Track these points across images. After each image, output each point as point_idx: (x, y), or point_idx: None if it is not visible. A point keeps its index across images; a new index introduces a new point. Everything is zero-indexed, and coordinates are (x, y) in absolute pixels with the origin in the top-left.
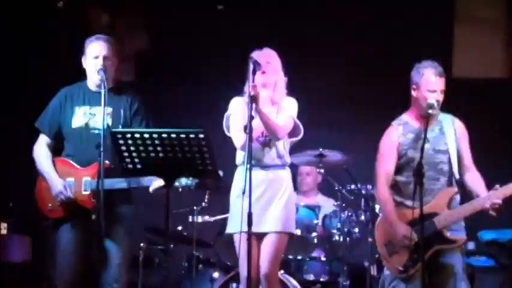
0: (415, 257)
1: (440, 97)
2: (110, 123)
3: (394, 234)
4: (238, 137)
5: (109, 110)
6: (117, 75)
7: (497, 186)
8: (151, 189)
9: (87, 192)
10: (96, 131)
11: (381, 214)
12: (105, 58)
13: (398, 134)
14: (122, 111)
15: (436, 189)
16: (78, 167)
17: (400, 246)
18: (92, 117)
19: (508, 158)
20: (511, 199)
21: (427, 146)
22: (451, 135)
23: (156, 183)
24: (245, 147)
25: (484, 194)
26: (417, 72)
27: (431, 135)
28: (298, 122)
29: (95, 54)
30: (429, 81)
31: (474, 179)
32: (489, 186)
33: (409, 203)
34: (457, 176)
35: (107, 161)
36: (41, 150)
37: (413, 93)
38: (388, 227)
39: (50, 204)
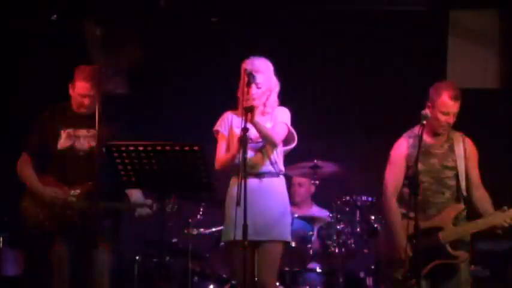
0: (414, 269)
1: (452, 120)
2: (94, 146)
3: (397, 246)
4: (219, 159)
5: (92, 132)
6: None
7: (505, 208)
8: (136, 214)
9: (71, 212)
10: (81, 153)
11: (385, 222)
12: (91, 96)
13: (408, 145)
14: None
15: (440, 203)
16: (62, 185)
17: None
18: (76, 139)
19: (500, 167)
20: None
21: (434, 161)
22: (460, 153)
23: (141, 210)
24: (227, 166)
25: (491, 210)
26: (435, 92)
27: (440, 150)
28: (292, 129)
29: (82, 92)
30: (445, 103)
31: (482, 198)
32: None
33: (412, 214)
34: (465, 193)
35: (89, 183)
36: (26, 169)
37: (427, 110)
38: (390, 237)
39: (38, 219)
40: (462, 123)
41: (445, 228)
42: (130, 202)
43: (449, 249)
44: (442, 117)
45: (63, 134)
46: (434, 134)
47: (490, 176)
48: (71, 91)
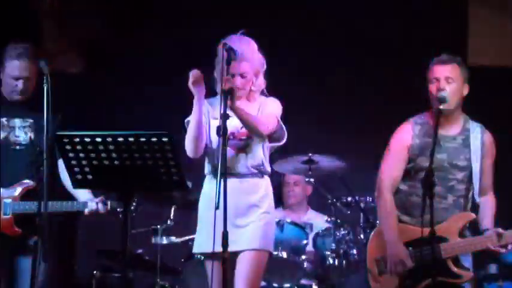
0: (407, 284)
1: (448, 86)
2: (33, 137)
3: (389, 254)
4: (188, 145)
5: (28, 121)
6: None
7: (488, 230)
8: (87, 211)
9: (7, 216)
10: (18, 147)
11: (378, 224)
12: (27, 79)
13: (413, 133)
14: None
15: (440, 209)
16: None
17: (392, 269)
18: (11, 130)
19: None
20: None
21: (442, 156)
22: (477, 149)
23: (91, 204)
24: (199, 154)
25: (489, 226)
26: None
27: (451, 144)
28: (282, 124)
29: (14, 74)
30: (432, 69)
31: (485, 205)
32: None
33: (405, 218)
34: (477, 199)
35: (29, 181)
36: None
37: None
38: (385, 242)
39: None
40: (483, 107)
41: (450, 240)
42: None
43: (450, 265)
44: (432, 87)
45: None
46: (445, 121)
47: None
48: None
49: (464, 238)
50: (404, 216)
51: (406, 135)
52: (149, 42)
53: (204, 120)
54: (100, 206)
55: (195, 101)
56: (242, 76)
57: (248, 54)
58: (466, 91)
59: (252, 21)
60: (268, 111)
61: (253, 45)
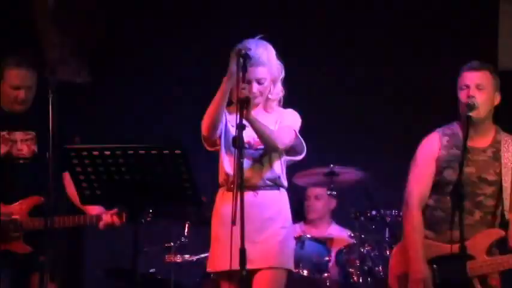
0: None
1: (478, 93)
2: (36, 150)
3: (411, 271)
4: (205, 120)
5: (31, 134)
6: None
7: None
8: (101, 224)
9: (17, 234)
10: (22, 161)
11: (402, 238)
12: (28, 88)
13: (440, 145)
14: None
15: (466, 225)
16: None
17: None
18: (13, 144)
19: None
20: None
21: (471, 170)
22: (508, 163)
23: (106, 217)
24: (214, 135)
25: None
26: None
27: (481, 157)
28: (300, 138)
29: (15, 83)
30: (462, 76)
31: None
32: None
33: (429, 234)
34: (507, 217)
35: (36, 196)
36: None
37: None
38: (407, 259)
39: None
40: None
41: (477, 258)
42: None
43: (477, 285)
44: (462, 94)
45: None
46: (475, 132)
47: None
48: None
49: (493, 256)
50: (428, 232)
51: (434, 147)
52: (155, 47)
53: (221, 125)
54: (115, 218)
55: (226, 80)
56: (259, 82)
57: (265, 59)
58: (497, 100)
59: (268, 29)
60: (285, 123)
61: (271, 50)
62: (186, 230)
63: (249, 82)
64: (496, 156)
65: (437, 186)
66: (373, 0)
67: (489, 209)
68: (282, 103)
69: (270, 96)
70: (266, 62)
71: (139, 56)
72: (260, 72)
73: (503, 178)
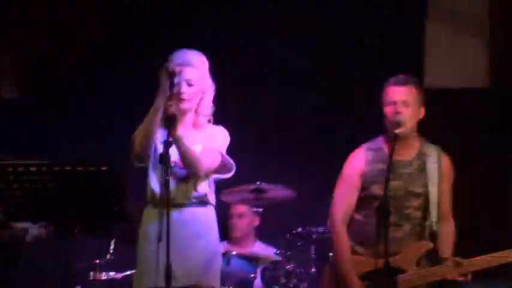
0: None
1: (401, 109)
2: None
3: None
4: (138, 137)
5: None
6: None
7: (461, 261)
8: (28, 237)
9: None
10: None
11: (331, 256)
12: None
13: (365, 160)
14: None
15: (397, 238)
16: None
17: None
18: None
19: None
20: None
21: (398, 183)
22: (434, 174)
23: (33, 231)
24: (147, 151)
25: (447, 255)
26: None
27: (407, 170)
28: (228, 158)
29: None
30: (387, 92)
31: (444, 233)
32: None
33: (359, 249)
34: (434, 228)
35: None
36: None
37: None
38: (338, 276)
39: None
40: (445, 130)
41: (407, 271)
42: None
43: None
44: (388, 110)
45: None
46: (400, 146)
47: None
48: None
49: (422, 269)
50: (360, 247)
51: (358, 162)
52: (90, 61)
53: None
54: (42, 230)
55: (160, 94)
56: (189, 83)
57: (196, 63)
58: (422, 114)
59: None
60: (212, 145)
61: (205, 60)
62: (112, 247)
63: (178, 84)
64: (422, 168)
65: (365, 202)
66: (297, 18)
67: (418, 221)
68: (212, 121)
69: (199, 110)
70: (197, 65)
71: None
72: (190, 72)
73: (429, 190)
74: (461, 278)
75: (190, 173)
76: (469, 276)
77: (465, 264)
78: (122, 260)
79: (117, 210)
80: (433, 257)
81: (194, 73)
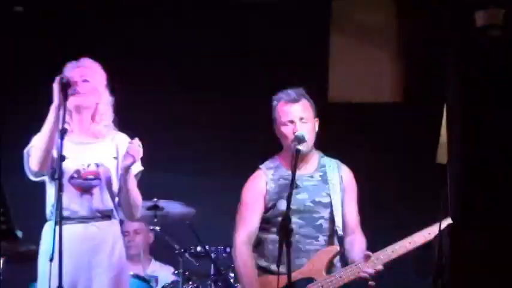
0: None
1: (304, 126)
2: None
3: None
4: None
5: None
6: None
7: (369, 253)
8: None
9: None
10: None
11: (238, 285)
12: None
13: (266, 179)
14: None
15: (313, 250)
16: None
17: None
18: None
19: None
20: None
21: (304, 196)
22: (336, 183)
23: None
24: (45, 168)
25: (357, 258)
26: (272, 106)
27: (310, 182)
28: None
29: None
30: (281, 113)
31: (352, 241)
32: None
33: (274, 267)
34: (340, 233)
35: None
36: None
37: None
38: None
39: None
40: (351, 146)
41: (316, 279)
42: None
43: None
44: (286, 130)
45: None
46: (300, 161)
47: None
48: None
49: (331, 274)
50: (274, 266)
51: (259, 183)
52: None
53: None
54: None
55: (53, 107)
56: (84, 80)
57: (88, 63)
58: (317, 125)
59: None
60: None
61: (101, 71)
62: (0, 267)
63: (75, 83)
64: (324, 179)
65: (274, 220)
66: (202, 31)
67: (330, 231)
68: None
69: (96, 118)
70: (90, 65)
71: None
72: (83, 72)
73: (332, 197)
74: (373, 270)
75: (127, 215)
76: (379, 267)
77: (375, 256)
78: (12, 281)
79: (4, 228)
80: (342, 260)
81: (88, 73)
